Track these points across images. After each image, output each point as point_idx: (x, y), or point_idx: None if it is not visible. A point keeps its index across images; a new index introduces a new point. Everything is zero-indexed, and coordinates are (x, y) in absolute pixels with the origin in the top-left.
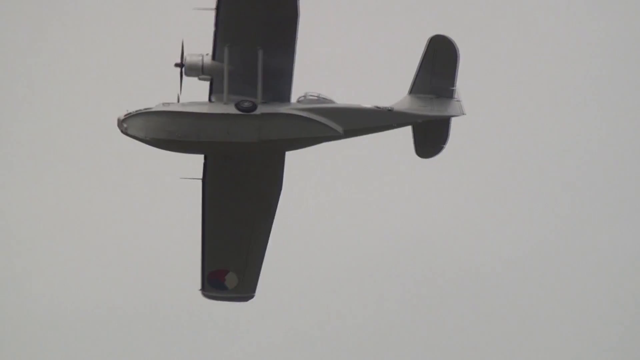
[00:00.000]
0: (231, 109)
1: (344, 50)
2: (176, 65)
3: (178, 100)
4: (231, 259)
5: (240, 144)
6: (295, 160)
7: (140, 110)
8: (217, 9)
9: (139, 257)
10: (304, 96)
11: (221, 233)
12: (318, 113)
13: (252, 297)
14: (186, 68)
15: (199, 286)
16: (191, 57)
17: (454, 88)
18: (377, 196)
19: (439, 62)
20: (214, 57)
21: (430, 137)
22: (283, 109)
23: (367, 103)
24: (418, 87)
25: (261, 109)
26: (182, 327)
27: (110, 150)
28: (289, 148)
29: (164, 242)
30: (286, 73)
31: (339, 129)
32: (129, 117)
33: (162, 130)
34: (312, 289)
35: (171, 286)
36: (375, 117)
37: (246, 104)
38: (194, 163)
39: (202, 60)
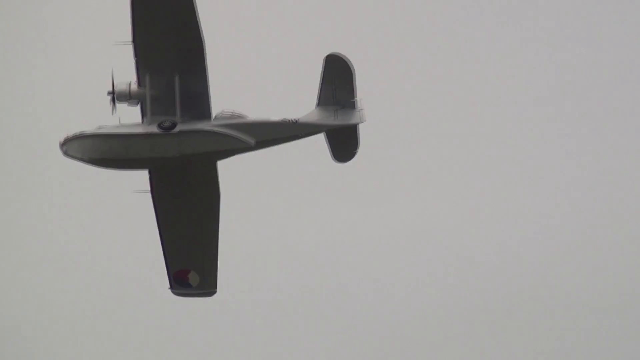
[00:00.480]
0: (153, 129)
1: (262, 69)
2: (108, 93)
3: (119, 122)
4: (189, 259)
5: (164, 159)
6: (235, 167)
7: (76, 134)
8: (134, 42)
9: (112, 265)
10: (220, 113)
11: (176, 237)
12: (231, 128)
13: (214, 292)
14: (117, 95)
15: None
16: (120, 86)
17: (354, 100)
18: (302, 197)
19: (337, 78)
20: (138, 84)
21: (343, 144)
22: (200, 126)
23: (276, 116)
24: (323, 100)
25: (180, 127)
26: (158, 323)
27: (58, 171)
28: (209, 160)
29: (130, 250)
30: (203, 94)
31: (251, 141)
32: (68, 140)
33: (96, 150)
34: (266, 283)
35: (144, 287)
36: (283, 129)
37: (167, 124)
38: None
39: (129, 87)
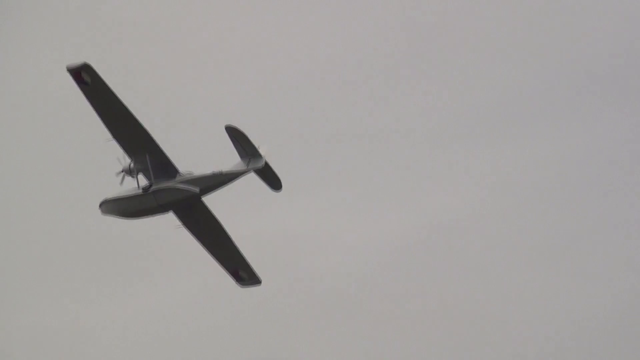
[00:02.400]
0: (139, 192)
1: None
2: (118, 173)
3: (138, 185)
4: (233, 261)
5: (152, 208)
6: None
7: (101, 200)
8: (115, 140)
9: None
10: (181, 173)
11: (215, 248)
12: (184, 182)
13: (260, 282)
14: (124, 172)
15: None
16: (124, 166)
17: (257, 150)
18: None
19: (239, 139)
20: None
21: (270, 179)
22: (163, 184)
23: (210, 170)
24: (240, 154)
25: (153, 187)
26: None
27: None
28: (187, 202)
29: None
30: (166, 162)
31: (196, 189)
32: (101, 204)
33: (115, 209)
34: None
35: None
36: (214, 178)
37: (145, 186)
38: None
39: (130, 166)
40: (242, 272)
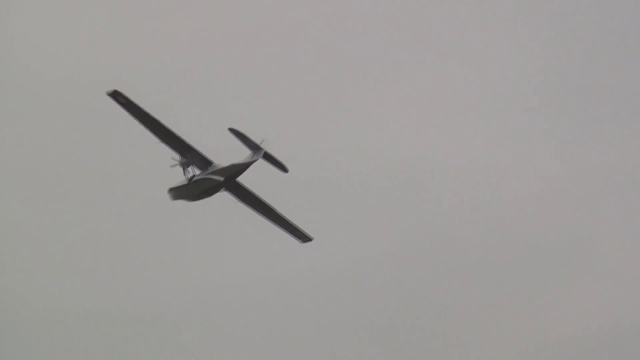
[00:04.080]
0: (186, 182)
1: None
2: (172, 167)
3: (186, 176)
4: (286, 225)
5: (199, 193)
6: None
7: (169, 187)
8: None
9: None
10: (213, 165)
11: (269, 217)
12: (212, 173)
13: (312, 239)
14: (180, 165)
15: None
16: (178, 161)
17: (258, 144)
18: None
19: (243, 139)
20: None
21: (276, 164)
22: (200, 176)
23: (227, 163)
24: (250, 148)
25: (195, 178)
26: None
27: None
28: (216, 189)
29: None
30: (202, 158)
31: (221, 178)
32: (169, 191)
33: (177, 195)
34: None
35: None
36: (232, 169)
37: (190, 177)
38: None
39: (181, 161)
40: (296, 232)
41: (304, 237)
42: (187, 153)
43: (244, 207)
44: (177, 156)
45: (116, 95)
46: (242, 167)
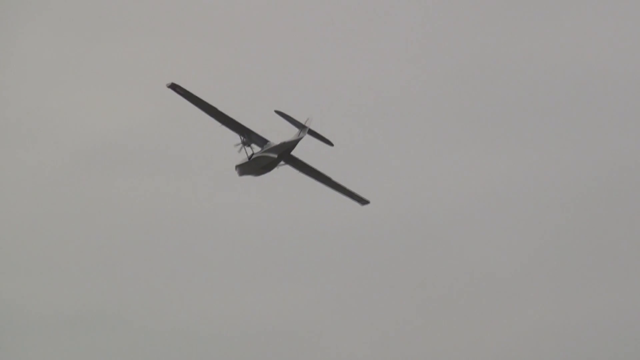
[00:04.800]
0: (247, 160)
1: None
2: (236, 145)
3: (247, 154)
4: (345, 191)
5: (259, 169)
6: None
7: (236, 164)
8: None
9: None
10: (268, 143)
11: (330, 185)
12: (267, 151)
13: (369, 202)
14: (242, 144)
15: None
16: (241, 140)
17: (303, 124)
18: None
19: (289, 119)
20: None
21: (321, 139)
22: (257, 154)
23: (279, 140)
24: (297, 127)
25: (254, 156)
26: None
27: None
28: (274, 165)
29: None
30: (259, 137)
31: (275, 155)
32: (235, 168)
33: (242, 171)
34: None
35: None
36: (283, 146)
37: (250, 155)
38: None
39: (242, 141)
40: (354, 196)
41: (362, 200)
42: (245, 134)
43: (306, 177)
44: (238, 137)
45: (174, 87)
46: (291, 144)
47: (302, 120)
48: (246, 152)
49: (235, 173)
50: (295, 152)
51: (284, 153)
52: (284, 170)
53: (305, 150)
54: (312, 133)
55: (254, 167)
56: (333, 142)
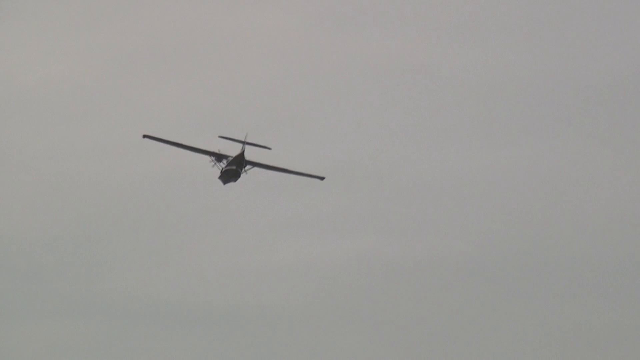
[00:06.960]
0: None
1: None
2: (210, 161)
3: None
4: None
5: (230, 177)
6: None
7: (218, 177)
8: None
9: None
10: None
11: (291, 172)
12: (228, 164)
13: (324, 178)
14: (214, 162)
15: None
16: (213, 160)
17: (242, 140)
18: None
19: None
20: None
21: (260, 147)
22: (224, 168)
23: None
24: (240, 143)
25: (223, 169)
26: None
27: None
28: (238, 173)
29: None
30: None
31: (233, 166)
32: (219, 178)
33: (224, 180)
34: None
35: None
36: (235, 159)
37: (222, 168)
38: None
39: (214, 160)
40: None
41: (318, 177)
42: (211, 155)
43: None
44: (209, 158)
45: (148, 137)
46: (240, 156)
47: (242, 138)
48: (219, 168)
49: (220, 183)
50: (255, 158)
51: (239, 163)
52: (254, 172)
53: (262, 155)
54: (251, 144)
55: (227, 177)
56: (271, 147)
